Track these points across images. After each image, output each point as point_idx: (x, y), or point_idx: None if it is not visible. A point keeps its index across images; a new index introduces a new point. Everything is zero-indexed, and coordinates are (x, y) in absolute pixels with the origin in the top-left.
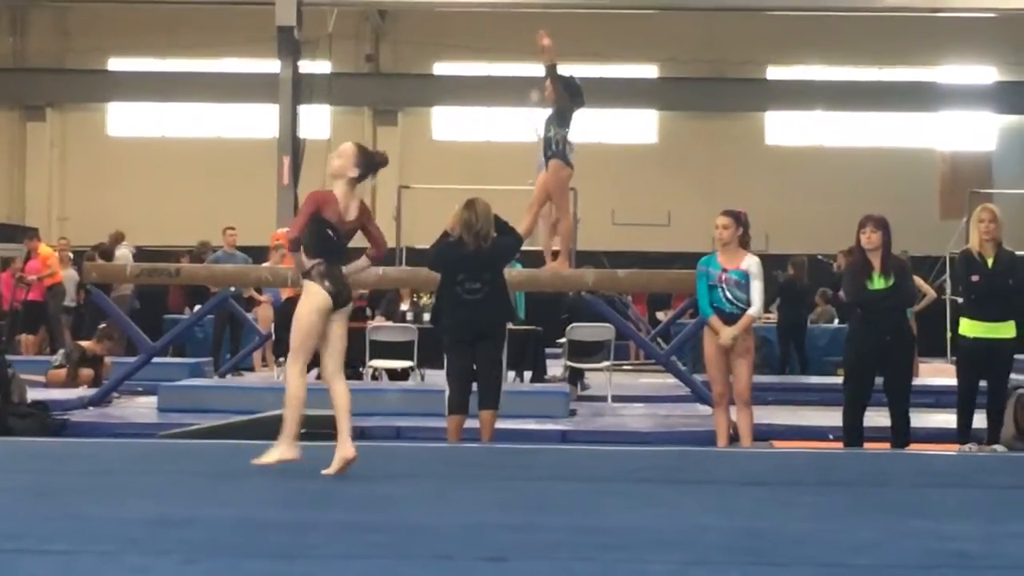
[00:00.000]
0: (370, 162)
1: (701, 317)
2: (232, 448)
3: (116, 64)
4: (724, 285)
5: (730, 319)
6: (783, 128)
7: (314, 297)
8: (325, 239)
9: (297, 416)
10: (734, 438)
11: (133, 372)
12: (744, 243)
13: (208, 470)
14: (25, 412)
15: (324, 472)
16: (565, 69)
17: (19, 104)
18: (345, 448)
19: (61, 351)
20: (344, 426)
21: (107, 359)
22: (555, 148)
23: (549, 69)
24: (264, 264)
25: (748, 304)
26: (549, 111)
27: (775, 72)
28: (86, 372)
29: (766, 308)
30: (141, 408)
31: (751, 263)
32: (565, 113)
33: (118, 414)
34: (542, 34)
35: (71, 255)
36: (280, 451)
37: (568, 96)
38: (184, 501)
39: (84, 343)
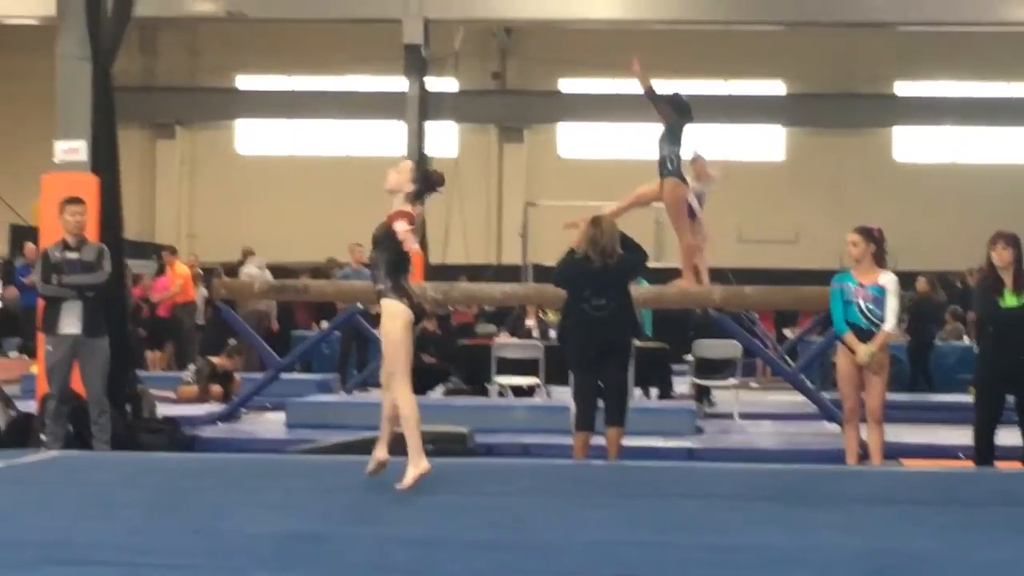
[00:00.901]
0: (427, 180)
1: (833, 333)
2: (360, 464)
3: (244, 82)
4: (860, 300)
5: (865, 335)
6: (911, 144)
7: (401, 315)
8: (404, 259)
9: (419, 432)
10: (863, 456)
11: (262, 388)
12: (880, 260)
13: (336, 486)
14: (155, 427)
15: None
16: (693, 86)
17: (149, 122)
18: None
19: (192, 367)
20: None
21: (236, 375)
22: (670, 166)
23: (647, 92)
24: None
25: (882, 320)
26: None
27: (903, 87)
28: (216, 388)
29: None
30: (269, 424)
31: (888, 279)
32: (675, 130)
33: (247, 429)
34: (632, 60)
35: (200, 272)
36: (418, 470)
37: (675, 113)
38: (313, 517)
39: (214, 359)
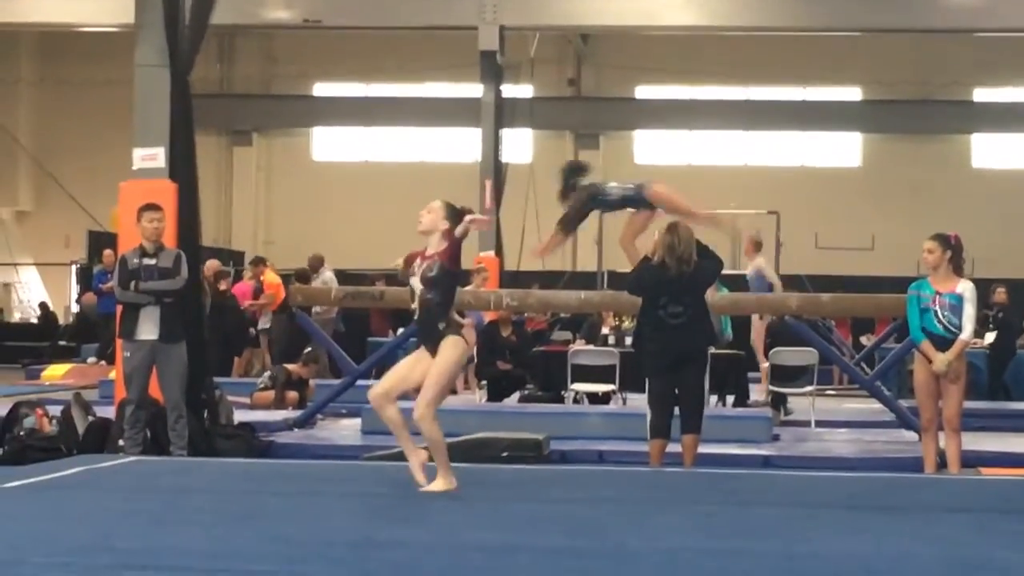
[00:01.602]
0: (457, 214)
1: (909, 341)
2: (435, 470)
3: (321, 89)
4: (938, 308)
5: (941, 343)
6: (990, 151)
7: (463, 350)
8: (454, 296)
9: (447, 454)
10: (941, 465)
11: (337, 394)
12: (957, 267)
13: (412, 492)
14: (232, 433)
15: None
16: (770, 92)
17: (226, 129)
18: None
19: (266, 374)
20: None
21: (311, 382)
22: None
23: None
24: (466, 287)
25: (960, 328)
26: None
27: (982, 94)
28: (292, 395)
29: (978, 334)
30: (345, 430)
31: (966, 287)
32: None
33: (322, 436)
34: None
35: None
36: (447, 487)
37: (583, 209)
38: (388, 523)
39: (290, 366)
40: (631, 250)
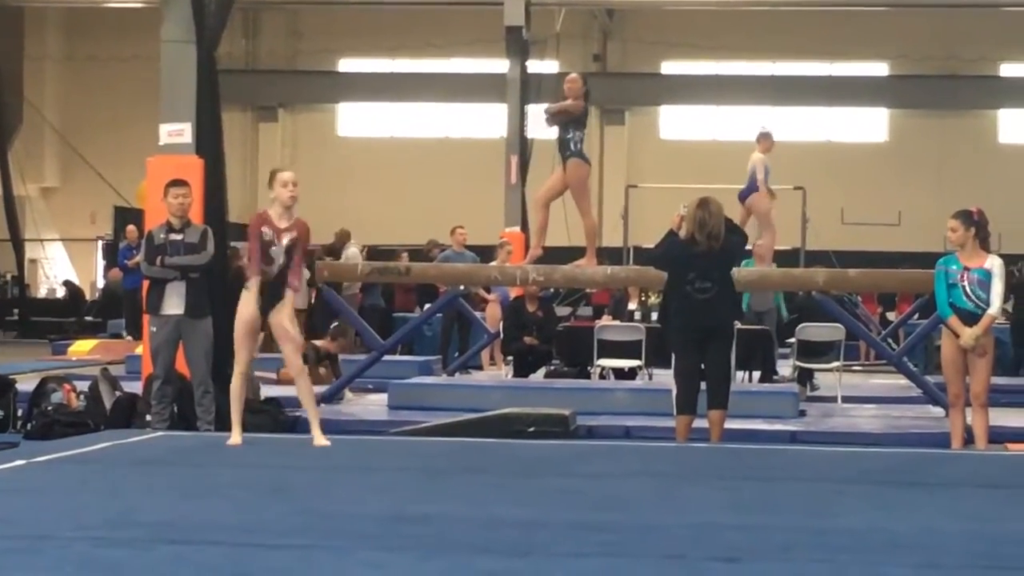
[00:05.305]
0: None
1: (937, 317)
2: (461, 446)
3: (346, 65)
4: (966, 283)
5: (969, 318)
6: (1017, 126)
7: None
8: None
9: (240, 409)
10: (968, 440)
11: (364, 370)
12: (984, 242)
13: (438, 467)
14: (258, 409)
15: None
16: (796, 67)
17: (252, 105)
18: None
19: None
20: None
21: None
22: (573, 148)
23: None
24: (492, 263)
25: (988, 304)
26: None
27: (1009, 69)
28: (324, 371)
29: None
30: (372, 405)
31: (994, 263)
32: (582, 117)
33: (349, 411)
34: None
35: None
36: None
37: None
38: (416, 497)
39: (319, 342)
40: (541, 212)
